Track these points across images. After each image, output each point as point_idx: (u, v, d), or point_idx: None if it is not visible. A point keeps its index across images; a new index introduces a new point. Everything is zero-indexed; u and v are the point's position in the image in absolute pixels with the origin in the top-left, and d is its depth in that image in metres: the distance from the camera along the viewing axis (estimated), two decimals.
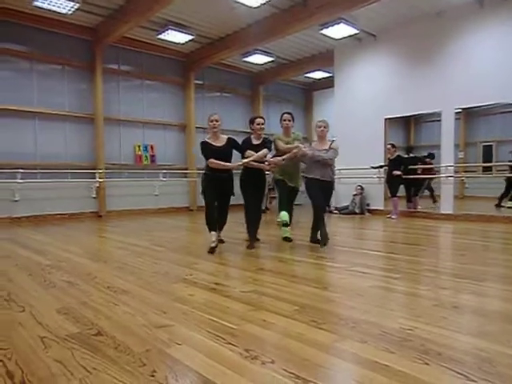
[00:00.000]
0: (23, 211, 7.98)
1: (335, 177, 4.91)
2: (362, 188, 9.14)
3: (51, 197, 8.33)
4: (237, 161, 4.63)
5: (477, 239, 5.58)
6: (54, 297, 2.82)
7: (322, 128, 4.66)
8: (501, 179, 8.69)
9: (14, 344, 2.00)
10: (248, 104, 12.14)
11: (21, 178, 7.80)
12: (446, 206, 8.04)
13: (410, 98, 8.47)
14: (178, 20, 8.32)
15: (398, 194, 8.21)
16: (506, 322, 2.25)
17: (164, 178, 9.99)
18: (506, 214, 7.73)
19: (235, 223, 6.20)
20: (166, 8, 7.31)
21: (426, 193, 9.27)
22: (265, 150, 4.60)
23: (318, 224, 4.72)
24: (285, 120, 4.89)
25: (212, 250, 4.38)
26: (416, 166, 8.72)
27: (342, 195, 9.39)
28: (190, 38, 8.90)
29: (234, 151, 4.68)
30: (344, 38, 8.81)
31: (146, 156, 9.88)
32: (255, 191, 4.80)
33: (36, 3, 7.19)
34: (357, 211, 9.04)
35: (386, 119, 9.00)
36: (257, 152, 4.56)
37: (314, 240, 4.89)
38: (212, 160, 4.43)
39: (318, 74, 12.05)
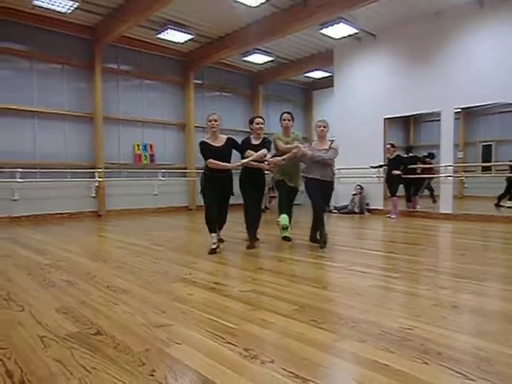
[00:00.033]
0: (23, 210, 7.98)
1: (335, 177, 4.91)
2: (361, 187, 9.15)
3: (51, 196, 8.32)
4: (236, 161, 4.61)
5: (476, 239, 5.58)
6: (54, 296, 2.81)
7: (321, 128, 4.65)
8: (500, 179, 8.70)
9: (14, 343, 2.00)
10: (248, 103, 12.14)
11: (20, 178, 7.79)
12: (446, 205, 8.04)
13: (409, 97, 8.48)
14: (177, 19, 8.32)
15: (397, 194, 8.22)
16: (505, 322, 2.25)
17: (163, 177, 9.99)
18: (505, 213, 7.74)
19: (235, 223, 6.20)
20: (166, 7, 7.30)
21: (426, 192, 9.27)
22: (264, 150, 4.59)
23: (318, 225, 4.72)
24: (284, 120, 4.88)
25: (212, 252, 4.36)
26: (415, 166, 8.72)
27: (341, 195, 9.39)
28: (190, 37, 8.90)
29: (234, 151, 4.67)
30: (343, 37, 8.81)
31: (146, 155, 9.88)
32: (255, 191, 4.79)
33: (36, 2, 7.18)
34: (356, 211, 9.04)
35: (385, 119, 9.00)
36: (256, 152, 4.56)
37: (313, 239, 4.89)
38: (211, 160, 4.41)
39: (318, 74, 12.06)
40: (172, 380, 1.62)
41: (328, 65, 10.44)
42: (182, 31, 8.59)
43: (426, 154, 8.96)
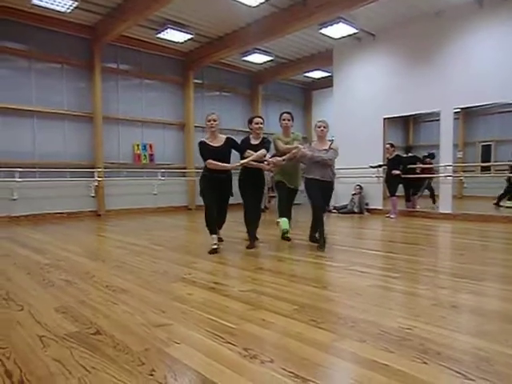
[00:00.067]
0: (22, 210, 7.97)
1: (335, 177, 4.90)
2: (360, 187, 9.15)
3: (50, 196, 8.32)
4: (235, 161, 4.59)
5: (475, 239, 5.59)
6: (53, 296, 2.81)
7: (321, 128, 4.63)
8: (500, 179, 8.71)
9: (13, 343, 2.00)
10: (247, 103, 12.14)
11: (19, 177, 7.78)
12: (445, 205, 8.05)
13: (408, 97, 8.48)
14: (177, 19, 8.31)
15: (396, 194, 8.22)
16: (505, 322, 2.25)
17: (163, 177, 9.98)
18: (504, 213, 7.74)
19: (235, 222, 6.20)
20: (165, 7, 7.30)
21: (426, 192, 9.28)
22: (263, 150, 4.56)
23: (317, 225, 4.71)
24: (284, 120, 4.86)
25: (213, 251, 4.36)
26: (415, 166, 8.73)
27: (340, 194, 9.39)
28: (189, 37, 8.89)
29: (233, 151, 4.66)
30: (343, 37, 8.82)
31: (145, 155, 9.87)
32: (254, 191, 4.78)
33: (35, 1, 7.18)
34: (356, 210, 9.05)
35: (384, 119, 9.01)
36: (256, 152, 4.54)
37: (312, 239, 4.89)
38: (210, 161, 4.39)
39: (317, 74, 12.06)
40: (171, 380, 1.62)
41: (327, 65, 10.44)
42: (181, 31, 8.58)
43: (426, 154, 8.97)
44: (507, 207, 8.13)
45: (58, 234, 6.07)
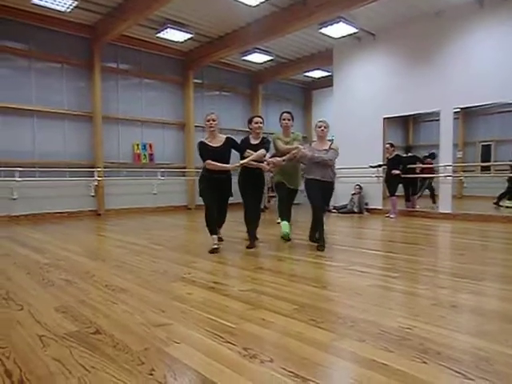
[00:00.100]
0: (22, 209, 7.97)
1: (336, 177, 4.88)
2: (360, 187, 9.15)
3: (50, 195, 8.32)
4: (235, 162, 4.58)
5: (475, 239, 5.59)
6: (53, 295, 2.81)
7: (322, 128, 4.61)
8: (499, 179, 8.71)
9: (13, 342, 2.00)
10: (247, 103, 12.13)
11: (19, 177, 7.78)
12: (445, 205, 8.05)
13: (408, 97, 8.48)
14: (176, 18, 8.31)
15: (396, 194, 8.22)
16: (504, 322, 2.25)
17: (162, 176, 9.98)
18: (504, 213, 7.74)
19: (235, 222, 6.20)
20: (165, 6, 7.30)
21: (427, 192, 9.28)
22: (262, 150, 4.54)
23: (317, 225, 4.70)
24: (284, 119, 4.84)
25: (214, 251, 4.36)
26: (415, 166, 8.73)
27: (340, 194, 9.39)
28: (189, 36, 8.89)
29: (233, 151, 4.64)
30: (343, 36, 8.82)
31: (145, 155, 9.87)
32: (254, 191, 4.77)
33: (35, 1, 7.18)
34: (355, 210, 9.05)
35: (384, 118, 9.01)
36: (255, 152, 4.53)
37: (312, 239, 4.88)
38: (209, 161, 4.37)
39: (317, 73, 12.06)
40: (171, 379, 1.62)
41: (327, 64, 10.45)
42: (181, 30, 8.58)
43: (427, 153, 8.96)
44: (507, 207, 8.13)
45: (58, 234, 6.07)
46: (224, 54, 9.68)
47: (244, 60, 10.61)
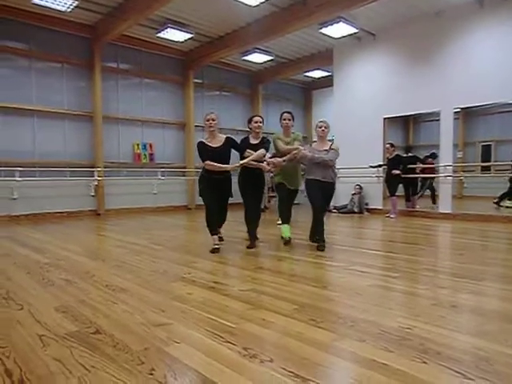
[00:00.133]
0: (22, 209, 7.97)
1: (337, 177, 4.87)
2: (360, 187, 9.15)
3: (50, 195, 8.32)
4: (234, 162, 4.56)
5: (475, 239, 5.59)
6: (53, 295, 2.81)
7: (322, 128, 4.60)
8: (499, 179, 8.71)
9: (13, 342, 2.00)
10: (247, 103, 12.13)
11: (19, 176, 7.78)
12: (445, 205, 8.05)
13: (408, 97, 8.48)
14: (177, 18, 8.31)
15: (396, 194, 8.22)
16: (504, 322, 2.25)
17: (163, 176, 9.98)
18: (504, 213, 7.74)
19: (235, 222, 6.20)
20: (165, 6, 7.29)
21: (428, 192, 9.28)
22: (262, 150, 4.53)
23: (317, 226, 4.68)
24: (285, 119, 4.81)
25: (215, 250, 4.36)
26: (415, 166, 8.73)
27: (340, 194, 9.39)
28: (190, 36, 8.89)
29: (233, 151, 4.63)
30: (343, 36, 8.82)
31: (145, 154, 9.87)
32: (254, 191, 4.76)
33: (35, 0, 7.17)
34: (356, 210, 9.05)
35: (384, 118, 9.00)
36: (255, 151, 4.52)
37: (313, 239, 4.88)
38: (208, 162, 4.34)
39: (318, 73, 12.06)
40: (171, 379, 1.62)
41: (328, 64, 10.44)
42: (181, 30, 8.58)
43: (428, 153, 8.95)
44: (507, 207, 8.13)
45: (58, 234, 6.07)
46: (224, 53, 9.68)
47: (244, 60, 10.61)
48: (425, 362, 1.74)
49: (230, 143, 4.53)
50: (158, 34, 8.79)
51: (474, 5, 7.43)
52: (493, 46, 7.29)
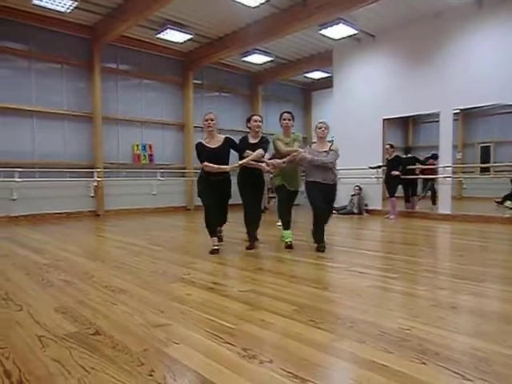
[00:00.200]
0: (21, 210, 7.96)
1: (337, 178, 4.85)
2: (360, 188, 9.16)
3: (49, 196, 8.31)
4: (233, 163, 4.53)
5: (475, 240, 5.59)
6: (52, 296, 2.81)
7: (322, 129, 4.58)
8: (499, 180, 8.73)
9: (12, 343, 2.00)
10: (247, 104, 12.14)
11: (19, 177, 7.78)
12: (444, 206, 8.05)
13: (408, 98, 8.49)
14: (176, 19, 8.31)
15: (396, 195, 8.23)
16: (504, 323, 2.25)
17: (162, 177, 9.98)
18: (504, 214, 7.74)
19: (235, 223, 6.19)
20: (165, 7, 7.30)
21: (428, 193, 9.29)
22: (260, 150, 4.50)
23: (317, 227, 4.67)
24: (285, 119, 4.76)
25: (214, 251, 4.35)
26: (414, 167, 8.74)
27: (340, 195, 9.37)
28: (189, 37, 8.90)
29: (232, 151, 4.60)
30: (343, 38, 8.82)
31: (145, 155, 9.87)
32: (254, 191, 4.75)
33: (35, 1, 7.17)
34: (355, 211, 9.05)
35: (384, 119, 9.01)
36: (254, 151, 4.51)
37: (316, 240, 4.83)
38: (206, 163, 4.30)
39: (317, 74, 12.07)
40: (171, 380, 1.62)
41: (327, 65, 10.45)
42: (181, 31, 8.59)
43: (429, 154, 8.96)
44: (507, 207, 8.14)
45: (57, 234, 6.06)
46: (224, 54, 9.69)
47: (244, 61, 10.61)
48: (424, 363, 1.74)
49: (228, 143, 4.50)
50: (158, 35, 8.79)
51: (473, 6, 7.45)
52: (492, 47, 7.30)
